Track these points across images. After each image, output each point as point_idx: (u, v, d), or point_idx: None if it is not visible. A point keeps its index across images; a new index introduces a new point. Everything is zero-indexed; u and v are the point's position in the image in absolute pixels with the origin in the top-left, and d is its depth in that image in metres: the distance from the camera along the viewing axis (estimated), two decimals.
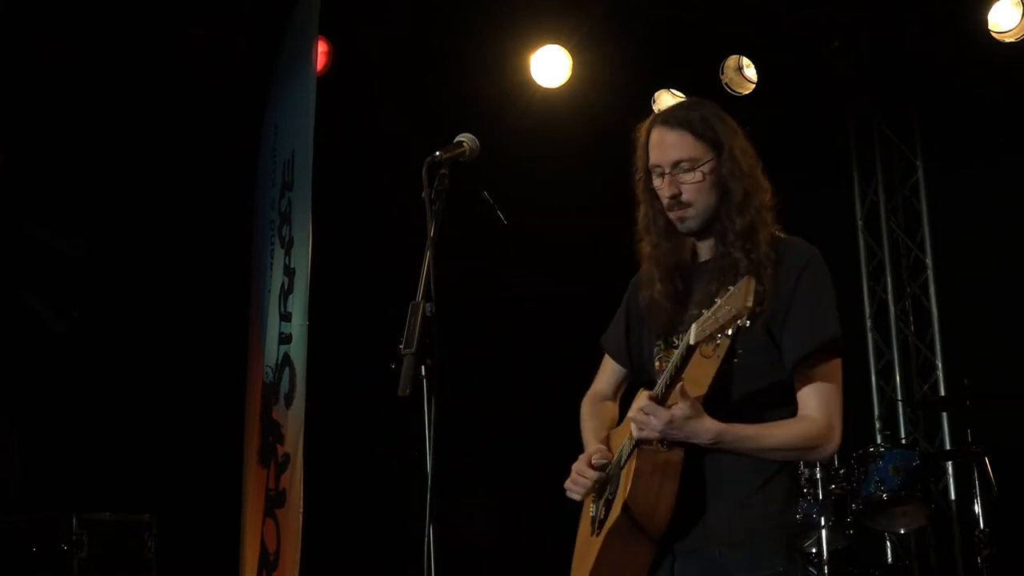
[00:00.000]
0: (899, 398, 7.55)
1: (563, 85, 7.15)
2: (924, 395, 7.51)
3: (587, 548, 3.10)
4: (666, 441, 2.85)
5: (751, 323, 2.64)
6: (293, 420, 5.91)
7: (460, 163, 2.93)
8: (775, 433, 2.91)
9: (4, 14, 6.02)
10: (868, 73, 7.45)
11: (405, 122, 6.81)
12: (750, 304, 2.58)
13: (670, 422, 2.81)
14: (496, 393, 7.12)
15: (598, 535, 3.02)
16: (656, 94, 7.47)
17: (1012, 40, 6.63)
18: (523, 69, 7.13)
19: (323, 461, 5.92)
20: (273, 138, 6.69)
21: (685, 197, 2.98)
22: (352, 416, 6.74)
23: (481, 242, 6.08)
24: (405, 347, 2.67)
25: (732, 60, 7.22)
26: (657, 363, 3.08)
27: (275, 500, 5.98)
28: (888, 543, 7.13)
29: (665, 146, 3.00)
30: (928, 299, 7.59)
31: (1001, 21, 6.64)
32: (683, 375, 2.83)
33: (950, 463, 7.23)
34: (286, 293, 6.19)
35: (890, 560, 7.12)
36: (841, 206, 7.82)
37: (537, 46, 7.08)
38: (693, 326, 2.73)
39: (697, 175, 2.96)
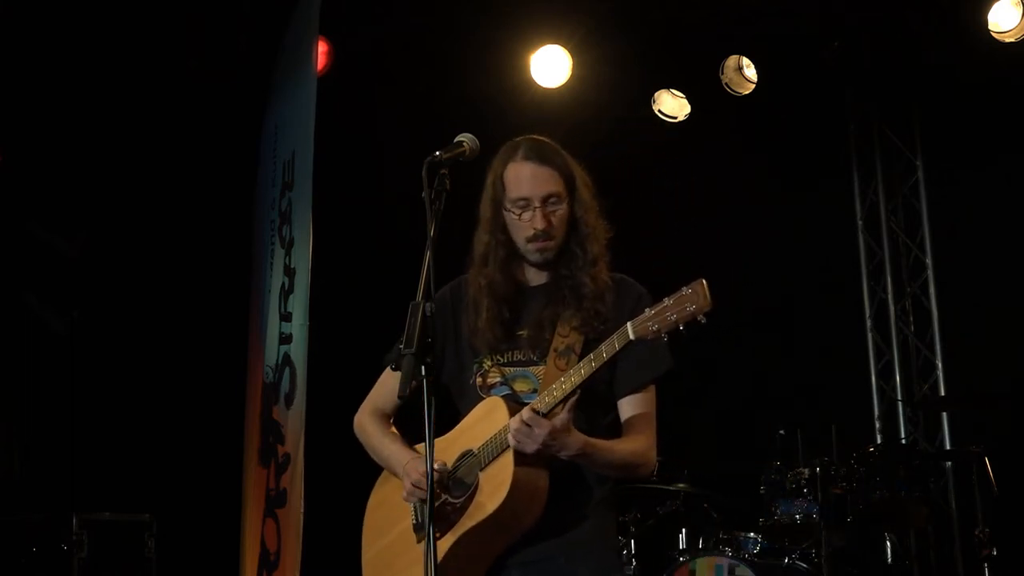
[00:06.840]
0: (899, 398, 7.53)
1: (563, 85, 7.15)
2: (924, 395, 7.49)
3: (408, 556, 3.09)
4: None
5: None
6: (293, 420, 5.91)
7: (460, 163, 2.94)
8: (622, 449, 3.03)
9: (4, 14, 6.02)
10: (868, 73, 7.45)
11: (405, 122, 6.80)
12: (709, 304, 2.66)
13: (552, 433, 2.85)
14: None
15: (440, 537, 2.98)
16: (656, 94, 7.47)
17: (1012, 40, 6.63)
18: (523, 69, 7.13)
19: (323, 461, 5.91)
20: (273, 138, 6.69)
21: (554, 230, 3.08)
22: (352, 416, 6.72)
23: None
24: (405, 347, 2.67)
25: (732, 60, 7.21)
26: (479, 378, 3.13)
27: (275, 500, 5.98)
28: (888, 543, 7.12)
29: (537, 180, 3.09)
30: (928, 299, 7.58)
31: (1001, 21, 6.64)
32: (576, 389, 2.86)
33: (950, 463, 7.22)
34: (286, 293, 6.19)
35: (890, 560, 7.11)
36: (841, 206, 7.81)
37: (537, 46, 7.07)
38: (628, 325, 2.78)
39: (563, 209, 3.09)
